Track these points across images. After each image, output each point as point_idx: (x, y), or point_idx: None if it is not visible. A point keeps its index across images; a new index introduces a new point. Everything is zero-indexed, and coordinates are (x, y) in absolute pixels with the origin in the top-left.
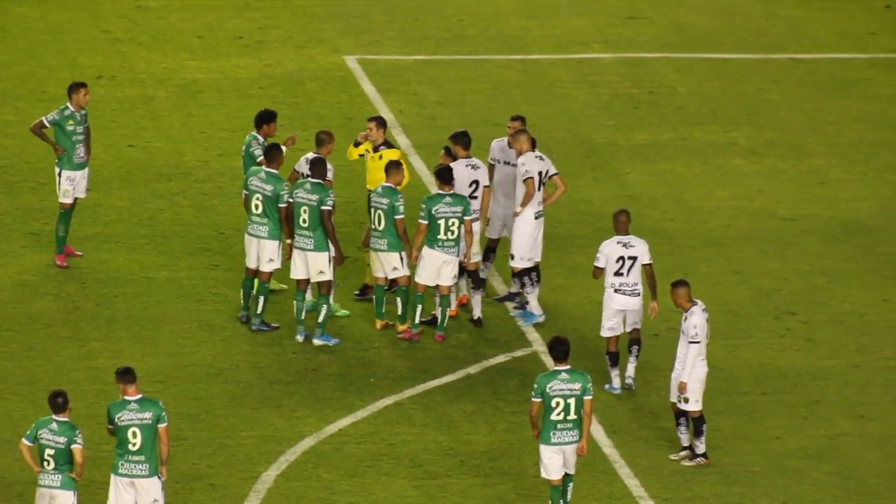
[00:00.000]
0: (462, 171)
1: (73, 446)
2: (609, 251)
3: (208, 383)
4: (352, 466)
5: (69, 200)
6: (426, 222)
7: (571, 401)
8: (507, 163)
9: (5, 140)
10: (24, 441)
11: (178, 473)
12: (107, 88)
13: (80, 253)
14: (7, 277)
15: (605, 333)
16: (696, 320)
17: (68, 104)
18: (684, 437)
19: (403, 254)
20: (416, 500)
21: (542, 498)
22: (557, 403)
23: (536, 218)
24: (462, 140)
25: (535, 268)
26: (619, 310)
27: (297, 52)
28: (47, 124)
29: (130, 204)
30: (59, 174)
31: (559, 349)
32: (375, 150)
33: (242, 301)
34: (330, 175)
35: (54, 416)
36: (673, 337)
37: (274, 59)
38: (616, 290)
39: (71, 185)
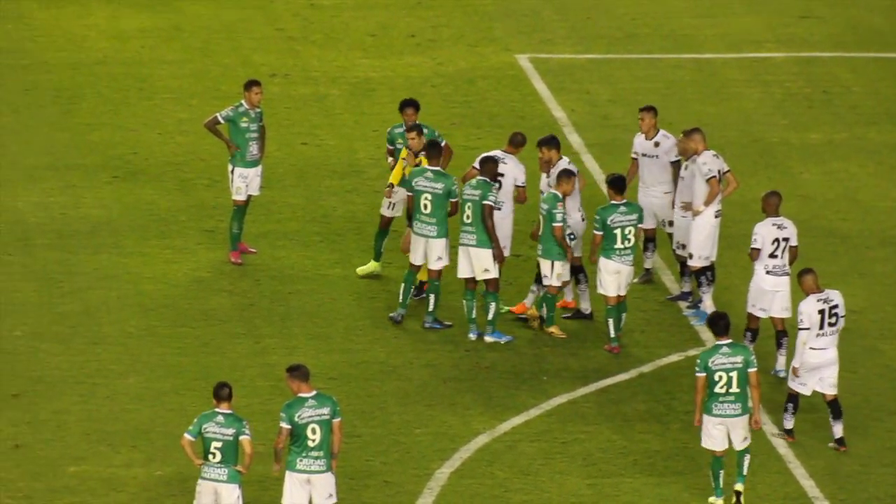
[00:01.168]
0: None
1: (241, 437)
2: (765, 233)
3: (382, 380)
4: (525, 464)
5: (242, 197)
6: (601, 233)
7: (734, 374)
8: (644, 155)
9: (180, 137)
10: (187, 436)
11: (352, 470)
12: (280, 86)
13: (254, 250)
14: (182, 274)
15: (756, 313)
16: (804, 307)
17: (242, 101)
18: (788, 420)
19: (556, 262)
20: (590, 499)
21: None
22: (720, 377)
23: (716, 217)
24: (554, 143)
25: (711, 267)
26: (770, 290)
27: (469, 51)
28: (221, 120)
29: (304, 201)
30: (232, 171)
31: (720, 324)
32: (416, 155)
33: (401, 297)
34: (521, 177)
35: (218, 409)
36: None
37: (446, 58)
38: (768, 272)
39: (244, 182)
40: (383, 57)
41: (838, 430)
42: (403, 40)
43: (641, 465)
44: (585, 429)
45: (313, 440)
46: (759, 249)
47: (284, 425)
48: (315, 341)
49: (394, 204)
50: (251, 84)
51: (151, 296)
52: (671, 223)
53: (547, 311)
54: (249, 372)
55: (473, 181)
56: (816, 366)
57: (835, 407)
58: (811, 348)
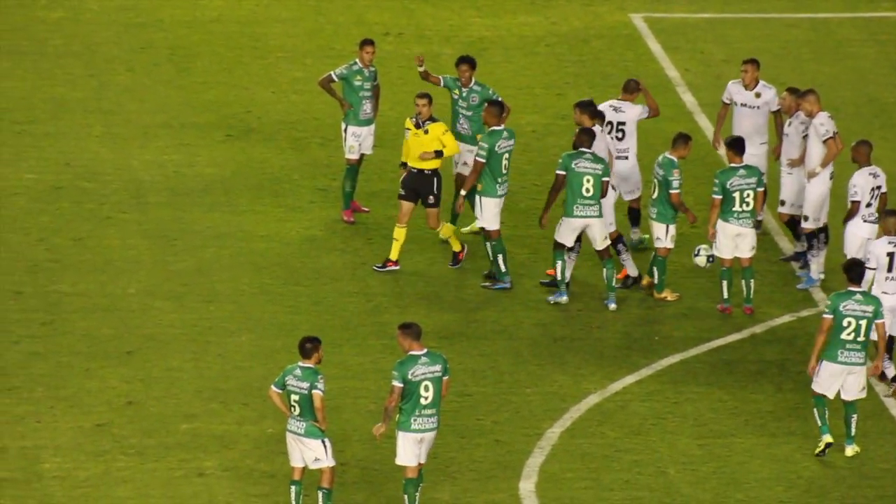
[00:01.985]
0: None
1: (313, 391)
2: (863, 182)
3: (493, 340)
4: (636, 424)
5: (355, 156)
6: (720, 197)
7: (863, 322)
8: (744, 105)
9: (294, 97)
10: (273, 388)
11: (463, 429)
12: (394, 45)
13: (366, 209)
14: (295, 232)
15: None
16: (873, 247)
17: (357, 60)
18: (889, 369)
19: (671, 226)
20: (701, 459)
21: (825, 459)
22: (849, 323)
23: (830, 178)
24: (589, 109)
25: (825, 228)
26: (867, 238)
27: (584, 10)
28: (335, 78)
29: None
30: (345, 130)
31: (855, 270)
32: (420, 125)
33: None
34: (644, 115)
35: (300, 363)
36: None
37: (560, 17)
38: (865, 221)
39: (357, 140)
40: (497, 16)
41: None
42: None
43: (753, 426)
44: (697, 389)
45: (426, 398)
46: (859, 202)
47: (397, 384)
48: (426, 300)
49: (456, 161)
50: (364, 43)
51: (264, 254)
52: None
53: (658, 275)
54: (361, 331)
55: (589, 154)
56: (890, 308)
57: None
58: (882, 292)
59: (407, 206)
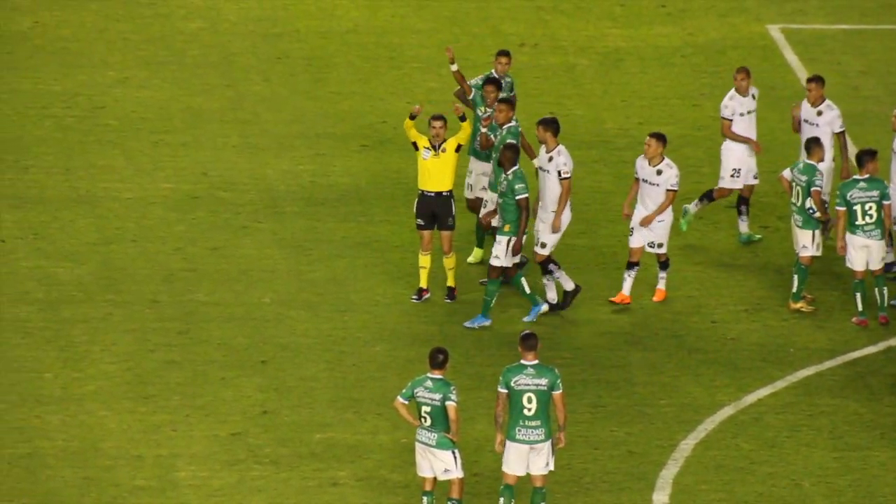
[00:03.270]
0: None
1: (447, 403)
2: None
3: (627, 351)
4: (771, 437)
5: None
6: (843, 209)
7: None
8: (806, 122)
9: (428, 107)
10: (399, 399)
11: (597, 440)
12: (529, 56)
13: None
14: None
15: None
16: None
17: (493, 70)
18: None
19: (817, 232)
20: (836, 472)
21: None
22: None
23: None
24: (552, 127)
25: None
26: None
27: (720, 21)
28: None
29: None
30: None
31: None
32: (437, 147)
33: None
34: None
35: (429, 374)
36: None
37: (696, 28)
38: None
39: None
40: (633, 27)
41: None
42: (654, 10)
43: (889, 439)
44: (832, 401)
45: (529, 409)
46: None
47: (501, 390)
48: (559, 312)
49: (471, 185)
50: (499, 54)
51: (398, 264)
52: None
53: (797, 284)
54: (495, 341)
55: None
56: None
57: None
58: None
59: (427, 234)
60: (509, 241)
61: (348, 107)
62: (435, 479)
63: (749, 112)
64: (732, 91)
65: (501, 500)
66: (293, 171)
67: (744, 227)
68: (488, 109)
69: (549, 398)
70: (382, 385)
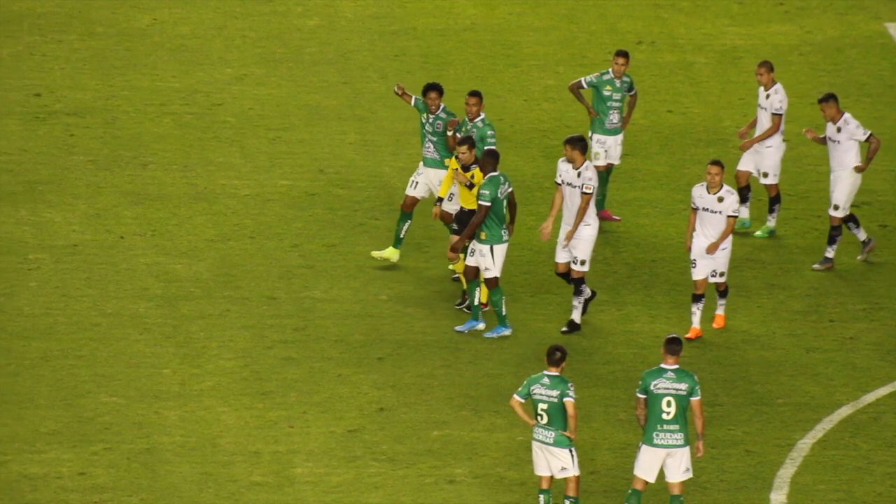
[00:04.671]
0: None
1: (565, 399)
2: None
3: (744, 350)
4: (890, 436)
5: (600, 163)
6: None
7: None
8: (830, 139)
9: (546, 104)
10: (516, 397)
11: (714, 440)
12: (647, 54)
13: (617, 218)
14: (545, 241)
15: None
16: None
17: (610, 69)
18: None
19: None
20: None
21: None
22: None
23: None
24: (580, 145)
25: None
26: None
27: (838, 19)
28: (585, 85)
29: (669, 169)
30: (591, 137)
31: None
32: (466, 170)
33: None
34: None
35: (546, 371)
36: None
37: (814, 26)
38: None
39: (602, 148)
40: (750, 24)
41: None
42: (771, 8)
43: None
44: None
45: (667, 413)
46: None
47: (640, 395)
48: (678, 310)
49: (416, 183)
50: (617, 54)
51: (514, 261)
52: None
53: None
54: (612, 339)
55: None
56: None
57: None
58: None
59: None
60: (491, 248)
61: (462, 105)
62: (552, 477)
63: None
64: (778, 85)
65: None
66: (409, 168)
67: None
68: (431, 116)
69: (687, 403)
70: (499, 382)
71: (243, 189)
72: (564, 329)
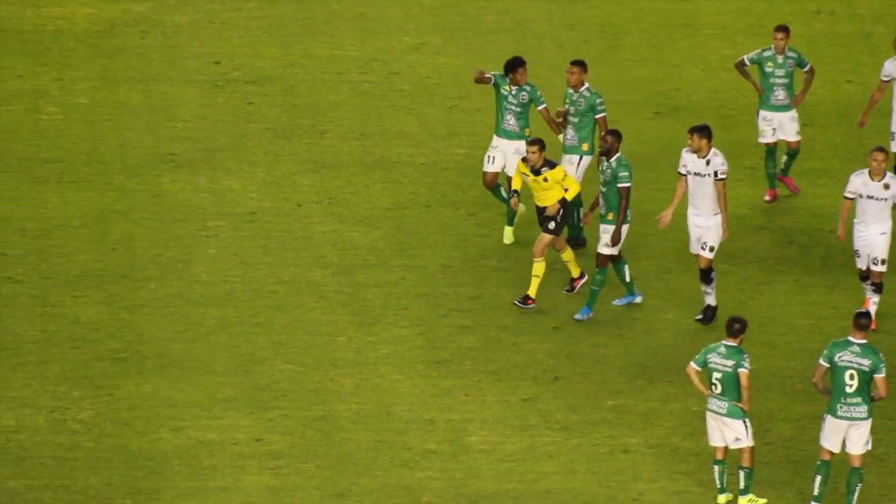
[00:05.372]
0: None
1: (739, 370)
2: None
3: None
4: None
5: (766, 140)
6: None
7: None
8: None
9: (723, 73)
10: (693, 365)
11: (891, 410)
12: (825, 23)
13: (798, 188)
14: None
15: None
16: None
17: (772, 45)
18: None
19: None
20: None
21: None
22: None
23: None
24: (706, 133)
25: None
26: None
27: None
28: (747, 62)
29: (846, 139)
30: (758, 113)
31: None
32: (537, 172)
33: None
34: None
35: (724, 341)
36: None
37: None
38: None
39: (767, 125)
40: None
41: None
42: None
43: None
44: None
45: (850, 386)
46: None
47: (822, 362)
48: (857, 280)
49: (493, 158)
50: (777, 29)
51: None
52: None
53: None
54: (788, 310)
55: None
56: None
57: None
58: None
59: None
60: (615, 229)
61: (641, 74)
62: (726, 447)
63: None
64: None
65: (819, 477)
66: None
67: None
68: (514, 88)
69: (870, 379)
70: (673, 353)
71: (419, 157)
72: (699, 317)
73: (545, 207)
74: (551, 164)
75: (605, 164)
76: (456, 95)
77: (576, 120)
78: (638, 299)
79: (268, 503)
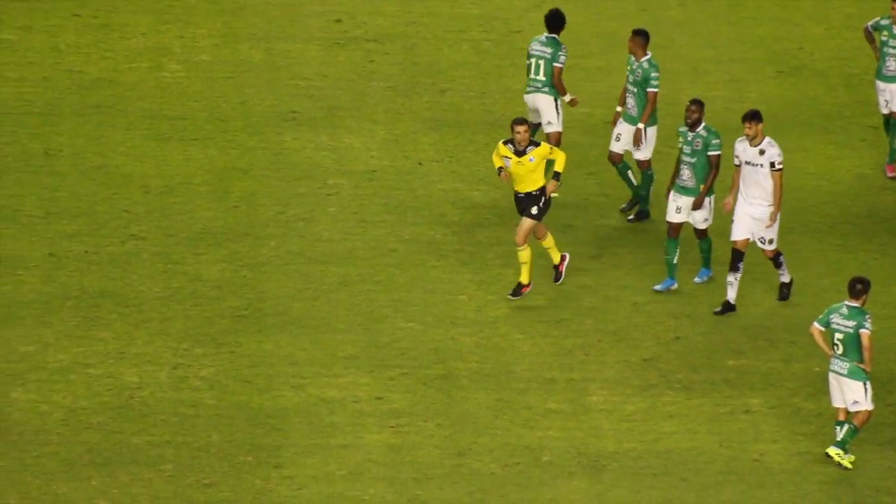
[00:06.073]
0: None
1: (861, 330)
2: None
3: None
4: None
5: (882, 111)
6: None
7: None
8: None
9: (847, 33)
10: (816, 325)
11: None
12: None
13: None
14: (846, 170)
15: None
16: None
17: (890, 15)
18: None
19: None
20: None
21: None
22: None
23: None
24: (757, 118)
25: None
26: None
27: None
28: (870, 29)
29: None
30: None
31: None
32: (521, 154)
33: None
34: None
35: (846, 302)
36: None
37: None
38: None
39: (880, 95)
40: None
41: None
42: None
43: None
44: None
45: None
46: None
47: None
48: None
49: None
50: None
51: (813, 192)
52: None
53: None
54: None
55: None
56: None
57: None
58: None
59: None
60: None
61: (764, 32)
62: (847, 409)
63: None
64: None
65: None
66: (707, 96)
67: None
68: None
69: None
70: (796, 313)
71: None
72: (781, 297)
73: (525, 195)
74: (535, 143)
75: (691, 134)
76: (576, 54)
77: (635, 90)
78: (675, 286)
79: (388, 461)
